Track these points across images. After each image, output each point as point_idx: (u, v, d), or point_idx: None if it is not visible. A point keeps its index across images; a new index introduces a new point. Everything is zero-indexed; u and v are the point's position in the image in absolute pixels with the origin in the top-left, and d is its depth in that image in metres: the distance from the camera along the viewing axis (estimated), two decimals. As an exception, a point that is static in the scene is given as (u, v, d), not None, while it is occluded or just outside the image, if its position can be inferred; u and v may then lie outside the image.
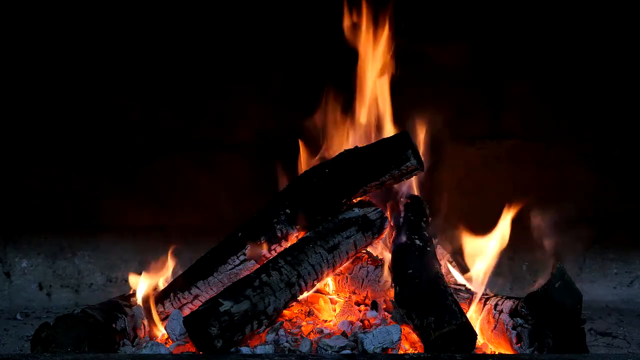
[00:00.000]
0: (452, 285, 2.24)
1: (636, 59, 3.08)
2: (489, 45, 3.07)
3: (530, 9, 3.05)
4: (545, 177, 3.10)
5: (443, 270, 2.21)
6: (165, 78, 3.09)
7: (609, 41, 3.08)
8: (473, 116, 3.15)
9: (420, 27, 3.01)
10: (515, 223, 2.42)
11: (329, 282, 2.36)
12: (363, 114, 2.54)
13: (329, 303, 2.27)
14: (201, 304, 2.04)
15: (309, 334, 2.07)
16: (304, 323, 2.14)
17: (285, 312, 2.14)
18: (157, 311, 2.21)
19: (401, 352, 1.93)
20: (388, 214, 2.38)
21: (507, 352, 1.97)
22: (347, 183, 2.25)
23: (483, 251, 2.34)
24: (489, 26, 3.06)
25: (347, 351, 1.91)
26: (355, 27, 2.61)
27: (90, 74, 3.06)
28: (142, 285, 2.26)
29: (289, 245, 2.22)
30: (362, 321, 2.15)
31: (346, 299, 2.30)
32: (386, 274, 2.25)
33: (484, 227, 2.45)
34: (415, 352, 1.96)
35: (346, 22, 2.62)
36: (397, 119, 2.53)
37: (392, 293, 2.16)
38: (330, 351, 1.91)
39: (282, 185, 2.44)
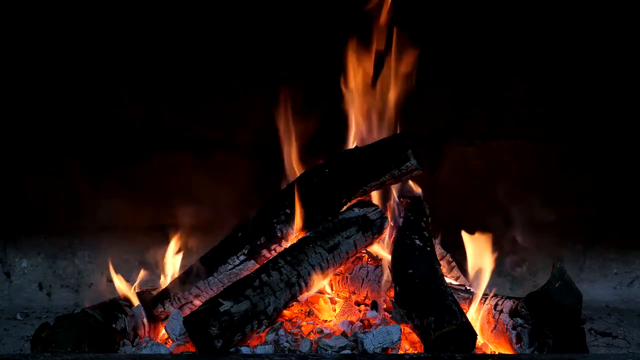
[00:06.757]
0: (452, 285, 2.24)
1: (635, 62, 3.08)
2: (489, 46, 3.07)
3: (530, 10, 3.04)
4: (545, 177, 3.09)
5: (443, 270, 2.21)
6: (167, 79, 3.09)
7: (609, 42, 3.07)
8: (473, 116, 3.15)
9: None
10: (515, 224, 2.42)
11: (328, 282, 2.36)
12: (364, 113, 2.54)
13: (329, 303, 2.27)
14: (201, 304, 2.04)
15: (309, 334, 2.07)
16: (304, 323, 2.14)
17: (285, 312, 2.14)
18: (157, 311, 2.21)
19: (401, 352, 1.93)
20: (388, 214, 2.38)
21: (507, 352, 1.97)
22: (347, 183, 2.25)
23: (483, 251, 2.34)
24: (488, 26, 3.06)
25: (347, 351, 1.91)
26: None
27: (92, 74, 3.06)
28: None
29: (289, 245, 2.22)
30: (362, 321, 2.15)
31: (346, 299, 2.30)
32: (386, 274, 2.25)
33: (484, 227, 2.45)
34: (415, 352, 1.96)
35: None
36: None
37: (392, 293, 2.16)
38: (330, 351, 1.91)
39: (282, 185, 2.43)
